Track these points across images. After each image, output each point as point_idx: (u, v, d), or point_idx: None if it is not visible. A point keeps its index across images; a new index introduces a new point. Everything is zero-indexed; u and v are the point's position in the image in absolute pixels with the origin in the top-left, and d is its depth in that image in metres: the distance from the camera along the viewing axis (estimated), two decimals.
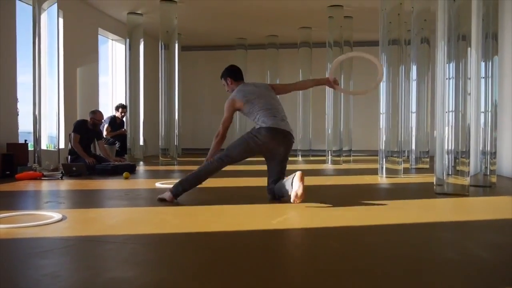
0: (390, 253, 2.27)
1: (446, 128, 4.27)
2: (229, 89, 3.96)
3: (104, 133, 7.70)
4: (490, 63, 4.91)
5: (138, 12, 8.65)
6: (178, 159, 8.23)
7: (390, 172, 5.80)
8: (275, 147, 3.67)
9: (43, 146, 5.91)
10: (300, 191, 3.34)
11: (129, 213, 3.33)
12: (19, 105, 6.40)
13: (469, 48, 4.27)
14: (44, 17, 5.88)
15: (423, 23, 7.16)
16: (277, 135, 3.64)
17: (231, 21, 9.31)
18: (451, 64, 4.25)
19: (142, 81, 8.90)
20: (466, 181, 4.22)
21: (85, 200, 4.01)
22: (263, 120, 3.64)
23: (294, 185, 3.39)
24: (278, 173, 3.74)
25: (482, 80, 4.96)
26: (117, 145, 8.13)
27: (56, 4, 5.92)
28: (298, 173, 3.39)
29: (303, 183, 3.36)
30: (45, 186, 4.80)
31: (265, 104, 3.70)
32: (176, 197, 3.66)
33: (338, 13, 8.12)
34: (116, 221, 3.05)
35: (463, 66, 4.22)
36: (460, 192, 4.17)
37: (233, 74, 3.93)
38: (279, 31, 10.13)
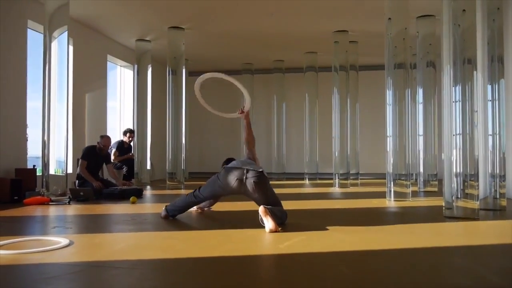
0: (400, 279, 2.23)
1: (454, 151, 4.25)
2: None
3: (112, 157, 7.75)
4: (496, 86, 4.92)
5: (147, 39, 8.81)
6: (185, 183, 8.22)
7: (398, 196, 5.75)
8: (237, 187, 3.72)
9: (51, 171, 5.95)
10: (271, 227, 3.39)
11: (136, 238, 3.32)
12: (28, 131, 6.48)
13: (475, 71, 4.29)
14: (54, 44, 6.00)
15: (428, 47, 7.21)
16: (232, 172, 3.73)
17: (237, 46, 9.44)
18: (457, 87, 4.26)
19: (150, 106, 9.00)
20: (476, 204, 4.17)
21: (92, 225, 4.01)
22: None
23: (263, 222, 3.45)
24: (265, 204, 3.66)
25: (489, 103, 4.96)
26: (125, 169, 8.17)
27: (66, 32, 6.05)
28: (261, 211, 3.46)
29: (269, 216, 3.42)
30: (53, 211, 4.81)
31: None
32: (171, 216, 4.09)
33: (343, 38, 8.22)
34: (123, 246, 3.04)
35: (470, 89, 4.23)
36: (470, 216, 4.12)
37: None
38: (285, 56, 10.25)
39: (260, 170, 3.74)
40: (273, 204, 3.71)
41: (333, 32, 8.18)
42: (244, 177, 3.68)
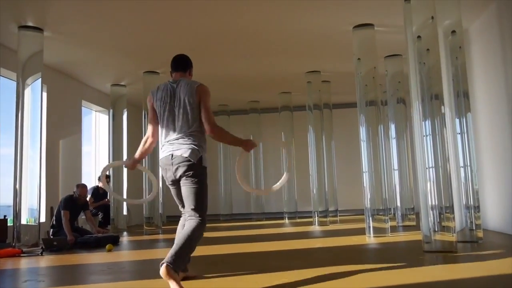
0: None
1: (428, 183, 4.32)
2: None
3: (90, 206, 7.63)
4: (464, 119, 5.09)
5: (122, 83, 8.85)
6: (163, 227, 8.06)
7: (378, 231, 5.76)
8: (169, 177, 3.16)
9: (23, 221, 5.75)
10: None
11: None
12: None
13: (442, 106, 4.44)
14: (27, 91, 5.96)
15: (397, 85, 7.46)
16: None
17: (213, 88, 9.45)
18: (427, 122, 4.40)
19: (126, 150, 8.92)
20: (453, 237, 4.21)
21: (66, 277, 3.85)
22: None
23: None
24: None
25: (458, 136, 5.11)
26: (100, 216, 7.98)
27: (40, 79, 6.04)
28: (162, 272, 2.83)
29: (169, 276, 2.80)
30: (25, 263, 4.61)
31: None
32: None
33: (316, 78, 8.44)
34: None
35: (439, 124, 4.36)
36: (448, 249, 4.15)
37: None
38: (260, 96, 10.42)
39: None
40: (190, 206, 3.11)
41: (306, 73, 8.40)
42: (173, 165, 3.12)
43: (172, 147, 3.10)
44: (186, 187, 3.12)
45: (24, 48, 5.89)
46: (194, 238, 3.02)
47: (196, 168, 3.10)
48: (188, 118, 3.10)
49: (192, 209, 3.11)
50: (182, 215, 3.30)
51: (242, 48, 7.08)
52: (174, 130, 3.12)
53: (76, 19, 5.74)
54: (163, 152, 3.16)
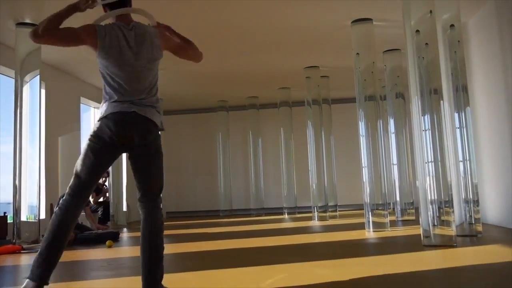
0: None
1: (427, 178, 4.33)
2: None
3: (92, 201, 7.69)
4: (463, 114, 5.09)
5: None
6: None
7: (377, 226, 5.78)
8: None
9: (23, 218, 5.76)
10: None
11: (113, 284, 3.21)
12: None
13: (441, 101, 4.44)
14: (26, 88, 5.95)
15: (396, 79, 7.46)
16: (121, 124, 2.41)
17: (212, 85, 9.56)
18: (426, 117, 4.40)
19: None
20: (453, 231, 4.23)
21: (67, 273, 3.86)
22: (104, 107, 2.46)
23: None
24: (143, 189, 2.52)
25: (458, 130, 5.12)
26: (100, 212, 7.99)
27: (38, 76, 6.02)
28: None
29: None
30: (25, 259, 4.62)
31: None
32: None
33: (314, 73, 8.43)
34: None
35: (438, 118, 4.36)
36: (447, 243, 4.16)
37: None
38: (259, 92, 10.41)
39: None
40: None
41: (305, 68, 8.39)
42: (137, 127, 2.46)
43: (134, 106, 2.42)
44: (153, 161, 2.49)
45: (22, 45, 5.87)
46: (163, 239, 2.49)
47: (159, 139, 2.54)
48: (152, 76, 2.56)
49: (158, 192, 2.53)
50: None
51: (241, 44, 7.07)
52: (137, 88, 2.46)
53: (73, 15, 5.72)
54: (117, 107, 2.41)
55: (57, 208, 2.47)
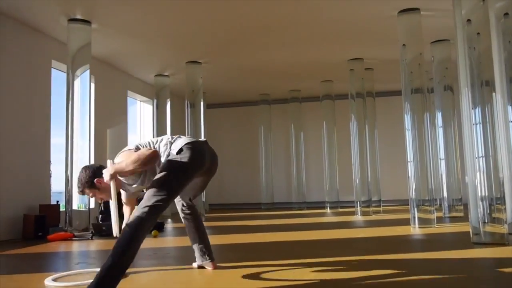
0: None
1: (478, 174, 4.17)
2: (107, 193, 2.95)
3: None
4: None
5: (165, 74, 9.03)
6: (206, 215, 8.21)
7: (423, 222, 5.62)
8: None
9: (74, 207, 6.03)
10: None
11: (158, 273, 3.31)
12: (52, 167, 6.62)
13: (493, 93, 4.25)
14: (77, 82, 6.20)
15: (444, 71, 7.19)
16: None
17: (253, 78, 9.59)
18: (476, 110, 4.22)
19: None
20: (504, 229, 4.05)
21: None
22: None
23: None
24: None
25: (511, 124, 4.88)
26: None
27: (88, 71, 6.26)
28: (212, 269, 3.21)
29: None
30: (76, 246, 4.84)
31: None
32: None
33: (358, 66, 8.27)
34: (146, 281, 3.03)
35: (489, 111, 4.18)
36: (498, 241, 4.00)
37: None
38: (301, 85, 10.33)
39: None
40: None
41: (348, 60, 8.24)
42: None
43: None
44: (207, 180, 3.24)
45: (73, 41, 6.11)
46: None
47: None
48: None
49: (193, 200, 3.40)
50: (181, 209, 3.40)
51: (283, 37, 7.03)
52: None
53: (121, 11, 5.89)
54: (194, 138, 3.04)
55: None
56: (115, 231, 2.80)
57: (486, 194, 4.09)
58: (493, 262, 3.44)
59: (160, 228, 6.12)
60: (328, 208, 9.56)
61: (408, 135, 5.92)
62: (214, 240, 5.38)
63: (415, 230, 5.46)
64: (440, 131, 7.40)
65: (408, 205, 5.88)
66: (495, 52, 4.74)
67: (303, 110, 10.97)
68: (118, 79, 8.63)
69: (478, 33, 4.27)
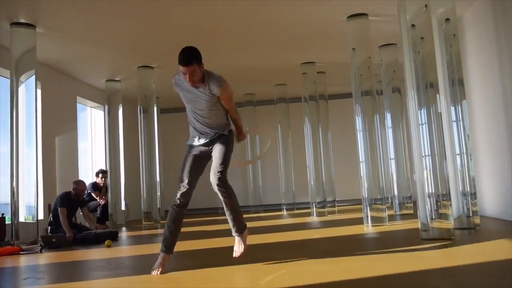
0: None
1: (425, 172, 4.34)
2: (196, 79, 3.46)
3: (98, 199, 7.83)
4: (459, 107, 5.10)
5: (116, 79, 8.81)
6: (161, 222, 8.07)
7: (376, 221, 5.79)
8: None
9: (21, 219, 5.75)
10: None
11: (112, 284, 3.21)
12: None
13: (437, 95, 4.45)
14: (22, 89, 5.93)
15: (392, 74, 7.46)
16: None
17: None
18: (422, 111, 4.40)
19: (122, 145, 8.90)
20: (451, 224, 4.24)
21: (66, 274, 3.86)
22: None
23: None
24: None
25: (454, 124, 5.13)
26: (98, 212, 7.98)
27: (34, 76, 6.00)
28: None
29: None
30: (24, 261, 4.62)
31: None
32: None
33: (311, 69, 8.42)
34: None
35: (434, 112, 4.37)
36: (445, 236, 4.18)
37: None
38: (256, 89, 10.40)
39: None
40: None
41: (301, 64, 8.38)
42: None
43: None
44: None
45: (16, 45, 5.84)
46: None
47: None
48: None
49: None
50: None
51: (237, 41, 7.05)
52: None
53: (68, 15, 5.70)
54: None
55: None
56: None
57: (433, 191, 4.28)
58: (441, 257, 3.59)
59: (114, 237, 5.94)
60: (285, 210, 9.65)
61: (360, 136, 6.09)
62: None
63: (368, 228, 5.62)
64: (389, 132, 7.66)
65: (361, 204, 6.04)
66: (438, 56, 4.98)
67: (257, 114, 11.03)
68: (67, 85, 8.33)
69: (422, 38, 4.46)
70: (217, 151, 3.45)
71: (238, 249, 3.49)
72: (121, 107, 9.00)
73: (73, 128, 8.46)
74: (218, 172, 3.36)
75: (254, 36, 6.89)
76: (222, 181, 3.42)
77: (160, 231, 7.09)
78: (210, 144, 3.48)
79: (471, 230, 4.80)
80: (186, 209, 3.53)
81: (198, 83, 3.41)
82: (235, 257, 3.47)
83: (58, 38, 6.40)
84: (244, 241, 3.51)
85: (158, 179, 8.19)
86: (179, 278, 3.24)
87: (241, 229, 3.51)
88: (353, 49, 6.12)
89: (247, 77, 9.32)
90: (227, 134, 3.50)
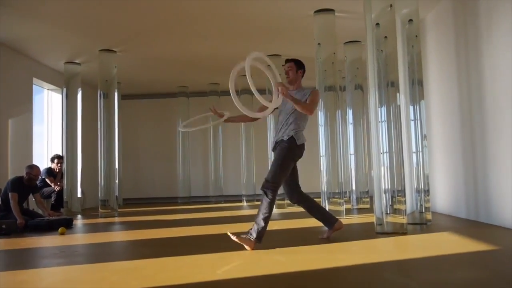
0: None
1: (382, 168, 4.46)
2: (292, 81, 4.70)
3: (53, 185, 7.54)
4: (418, 106, 5.26)
5: (76, 61, 8.51)
6: (119, 210, 7.91)
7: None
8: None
9: None
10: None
11: (65, 273, 3.12)
12: None
13: (398, 94, 4.56)
14: None
15: (356, 71, 7.59)
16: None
17: (172, 69, 9.38)
18: (382, 108, 4.51)
19: (80, 130, 8.63)
20: (404, 219, 4.39)
21: (16, 261, 3.72)
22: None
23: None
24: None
25: (412, 123, 5.29)
26: (53, 198, 7.72)
27: None
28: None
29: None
30: None
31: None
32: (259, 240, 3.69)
33: (276, 62, 8.39)
34: (50, 282, 2.84)
35: (394, 110, 4.49)
36: (398, 230, 4.32)
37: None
38: (221, 79, 10.31)
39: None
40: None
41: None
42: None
43: None
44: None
45: None
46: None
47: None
48: None
49: (264, 181, 3.95)
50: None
51: (202, 30, 6.96)
52: None
53: None
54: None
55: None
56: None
57: (389, 187, 4.40)
58: (393, 250, 3.71)
59: (68, 224, 5.77)
60: (245, 201, 9.68)
61: (321, 131, 6.18)
62: (128, 236, 5.23)
63: None
64: (350, 128, 7.80)
65: (320, 197, 6.14)
66: (400, 55, 5.10)
67: (222, 104, 10.94)
68: (22, 65, 7.96)
69: (386, 37, 4.56)
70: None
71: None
72: (80, 91, 8.70)
73: (28, 111, 8.11)
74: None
75: (220, 26, 6.82)
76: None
77: (118, 219, 6.95)
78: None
79: (423, 225, 4.98)
80: (303, 203, 4.43)
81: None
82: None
83: (14, 15, 6.10)
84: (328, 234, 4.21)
85: (117, 166, 8.00)
86: (135, 267, 3.19)
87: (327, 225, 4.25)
88: (319, 44, 6.17)
89: (212, 66, 9.24)
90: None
